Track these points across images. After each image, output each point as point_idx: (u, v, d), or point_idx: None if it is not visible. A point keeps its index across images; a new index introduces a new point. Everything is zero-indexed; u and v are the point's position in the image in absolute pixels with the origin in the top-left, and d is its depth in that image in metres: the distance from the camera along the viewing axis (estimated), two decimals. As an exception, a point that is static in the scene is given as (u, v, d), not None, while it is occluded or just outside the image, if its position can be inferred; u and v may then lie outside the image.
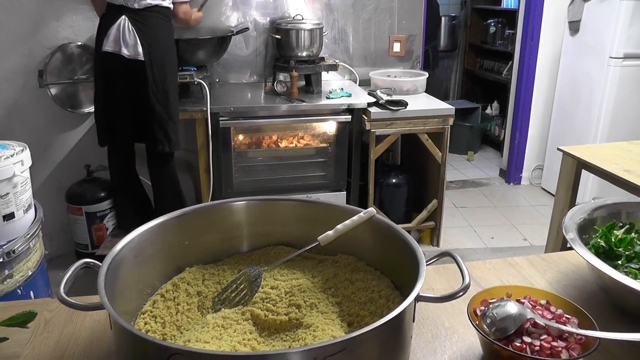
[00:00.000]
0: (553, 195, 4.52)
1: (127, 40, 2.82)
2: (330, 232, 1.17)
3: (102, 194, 3.44)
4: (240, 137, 3.48)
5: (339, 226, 1.17)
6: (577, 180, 2.47)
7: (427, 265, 0.99)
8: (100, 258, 2.95)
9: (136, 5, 2.83)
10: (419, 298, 0.93)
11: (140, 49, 2.82)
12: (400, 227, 1.12)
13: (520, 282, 1.30)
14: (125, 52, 2.83)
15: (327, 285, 1.16)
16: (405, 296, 0.94)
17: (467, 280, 0.96)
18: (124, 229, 3.30)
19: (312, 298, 1.11)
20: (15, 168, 1.89)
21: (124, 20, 2.83)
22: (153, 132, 2.94)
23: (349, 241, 1.19)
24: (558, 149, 2.51)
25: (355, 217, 1.17)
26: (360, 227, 1.17)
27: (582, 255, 1.10)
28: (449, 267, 1.35)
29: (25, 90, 3.44)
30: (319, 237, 1.17)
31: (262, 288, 1.13)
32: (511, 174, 4.93)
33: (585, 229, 1.28)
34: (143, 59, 2.83)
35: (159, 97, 2.89)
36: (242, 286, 1.13)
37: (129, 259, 1.08)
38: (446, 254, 1.06)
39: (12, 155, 1.90)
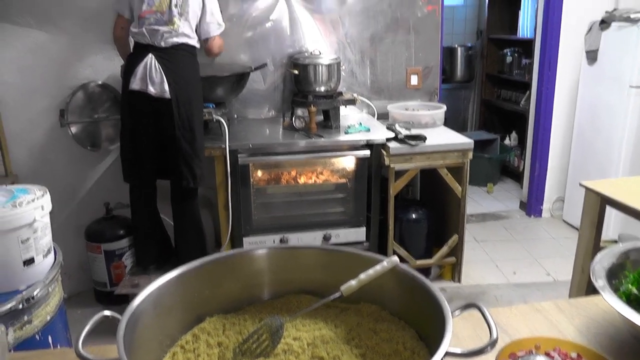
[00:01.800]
0: (575, 228, 4.46)
1: (153, 78, 2.85)
2: (352, 282, 1.14)
3: (121, 232, 3.44)
4: (259, 173, 3.48)
5: (361, 276, 1.14)
6: (601, 217, 2.42)
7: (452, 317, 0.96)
8: (119, 297, 2.95)
9: (163, 44, 2.88)
10: (446, 354, 0.90)
11: (166, 87, 2.85)
12: (424, 278, 1.10)
13: (548, 329, 1.26)
14: (152, 90, 2.86)
15: (351, 336, 1.13)
16: (430, 348, 0.91)
17: (494, 335, 0.93)
18: (142, 266, 3.29)
19: (336, 349, 1.08)
20: (36, 213, 1.89)
21: (150, 58, 2.87)
22: (178, 168, 2.96)
23: (372, 289, 1.16)
24: (580, 184, 2.47)
25: (377, 267, 1.15)
26: (383, 275, 1.15)
27: (613, 305, 1.06)
28: (474, 314, 1.31)
29: (47, 130, 3.49)
30: (342, 288, 1.14)
31: (284, 339, 1.10)
32: (532, 206, 4.87)
33: (614, 274, 1.24)
34: (169, 96, 2.86)
35: (185, 133, 2.92)
36: (263, 337, 1.10)
37: (148, 312, 1.06)
38: (472, 305, 1.03)
39: (33, 200, 1.91)
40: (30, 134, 3.49)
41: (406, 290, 1.14)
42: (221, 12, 3.14)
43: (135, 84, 2.89)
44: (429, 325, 1.06)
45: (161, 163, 3.05)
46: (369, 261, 1.17)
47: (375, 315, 1.18)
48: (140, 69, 2.87)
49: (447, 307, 0.98)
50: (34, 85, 3.42)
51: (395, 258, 1.15)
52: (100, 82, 3.50)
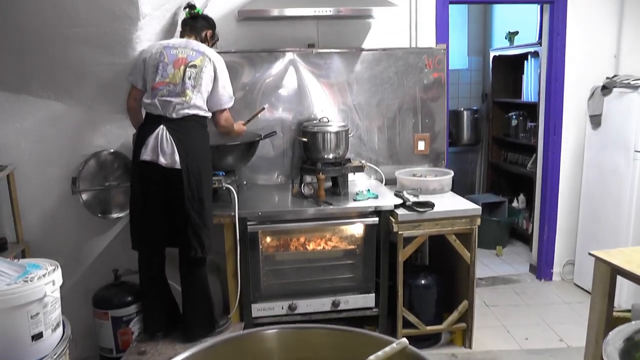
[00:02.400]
0: (587, 292, 4.42)
1: (164, 149, 2.90)
2: (362, 364, 1.14)
3: (129, 298, 3.42)
4: (268, 239, 3.49)
5: (371, 357, 1.14)
6: (612, 286, 2.41)
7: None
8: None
9: (174, 115, 2.94)
10: None
11: (177, 158, 2.90)
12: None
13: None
14: (162, 160, 2.90)
15: (362, 420, 1.12)
16: None
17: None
18: (149, 333, 3.26)
19: None
20: (46, 288, 1.90)
21: (162, 129, 2.92)
22: (187, 238, 2.97)
23: (382, 371, 1.16)
24: (590, 253, 2.46)
25: (387, 349, 1.14)
26: (392, 357, 1.15)
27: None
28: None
29: (58, 197, 3.55)
30: (352, 370, 1.14)
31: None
32: (542, 269, 4.83)
33: (628, 352, 1.23)
34: (180, 167, 2.90)
35: (194, 203, 2.95)
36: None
37: (159, 397, 1.05)
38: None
39: (44, 275, 1.92)
40: (43, 201, 3.55)
41: (416, 373, 1.13)
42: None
43: (146, 155, 2.94)
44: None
45: (170, 231, 3.07)
46: (378, 342, 1.17)
47: (385, 398, 1.17)
48: (151, 140, 2.93)
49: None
50: (48, 154, 3.50)
51: (405, 340, 1.15)
52: (112, 150, 3.57)
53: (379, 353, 1.15)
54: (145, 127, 3.02)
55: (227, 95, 3.13)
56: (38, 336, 1.91)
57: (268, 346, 1.25)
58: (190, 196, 2.94)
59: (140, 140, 2.99)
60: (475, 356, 3.60)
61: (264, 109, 3.65)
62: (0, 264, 1.94)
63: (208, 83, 3.04)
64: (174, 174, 2.92)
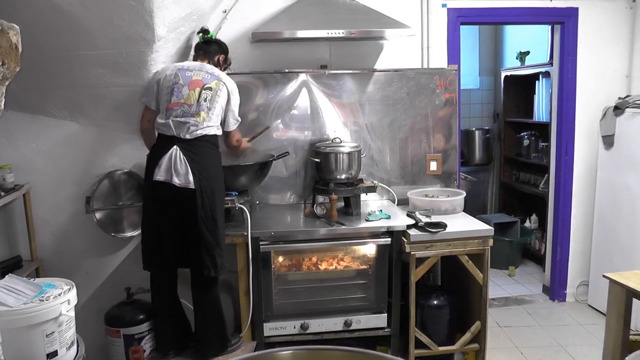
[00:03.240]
0: (601, 313, 4.38)
1: (178, 169, 2.93)
2: (378, 389, 1.14)
3: (141, 316, 3.43)
4: (280, 259, 3.50)
5: (386, 381, 1.15)
6: (628, 308, 2.39)
7: None
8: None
9: (188, 136, 2.97)
10: None
11: (191, 178, 2.92)
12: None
13: None
14: (176, 181, 2.93)
15: None
16: None
17: None
18: (161, 351, 3.27)
19: None
20: (62, 308, 1.92)
21: (175, 150, 2.95)
22: (200, 257, 2.99)
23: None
24: (604, 276, 2.45)
25: (402, 372, 1.15)
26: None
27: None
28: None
29: (72, 216, 3.59)
30: (368, 394, 1.14)
31: None
32: (555, 290, 4.79)
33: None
34: (193, 187, 2.92)
35: (207, 223, 2.97)
36: None
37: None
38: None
39: (59, 295, 1.94)
40: (56, 220, 3.59)
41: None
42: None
43: (159, 175, 2.96)
44: None
45: (182, 251, 3.08)
46: (392, 365, 1.18)
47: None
48: (165, 160, 2.96)
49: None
50: (63, 173, 3.55)
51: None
52: (126, 170, 3.61)
53: (393, 376, 1.15)
54: (158, 147, 3.05)
55: (236, 118, 3.21)
56: (53, 354, 1.92)
57: (283, 368, 1.26)
58: (204, 216, 2.96)
59: (153, 160, 3.02)
60: (489, 378, 3.57)
61: (268, 128, 3.70)
62: (17, 283, 1.96)
63: (222, 105, 3.10)
64: (187, 193, 2.94)
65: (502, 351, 3.93)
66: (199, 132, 2.99)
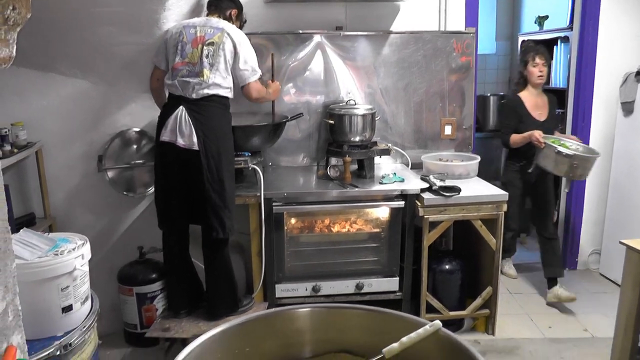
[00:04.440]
0: (613, 282, 4.36)
1: (183, 130, 2.90)
2: (395, 345, 1.14)
3: (154, 275, 3.46)
4: (293, 221, 3.49)
5: (404, 339, 1.13)
6: (645, 275, 2.36)
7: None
8: (149, 339, 2.96)
9: (194, 96, 2.93)
10: None
11: (195, 139, 2.89)
12: (468, 344, 1.08)
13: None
14: (180, 142, 2.90)
15: (393, 400, 1.11)
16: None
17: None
18: (173, 311, 3.29)
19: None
20: (76, 262, 1.92)
21: (181, 110, 2.92)
22: (208, 219, 2.98)
23: (412, 352, 1.15)
24: (621, 242, 2.41)
25: (420, 330, 1.14)
26: (425, 338, 1.13)
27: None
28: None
29: (84, 175, 3.58)
30: (384, 350, 1.14)
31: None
32: (567, 258, 4.76)
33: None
34: (198, 148, 2.89)
35: (214, 184, 2.94)
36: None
37: (192, 369, 1.05)
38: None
39: (74, 249, 1.94)
40: (68, 178, 3.59)
41: (448, 356, 1.12)
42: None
43: (165, 136, 2.94)
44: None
45: (192, 211, 3.08)
46: (411, 324, 1.16)
47: (417, 379, 1.16)
48: (171, 121, 2.93)
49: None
50: (74, 131, 3.53)
51: (438, 322, 1.14)
52: (138, 129, 3.58)
53: (412, 335, 1.14)
54: (166, 108, 3.02)
55: (250, 69, 3.07)
56: (68, 308, 1.94)
57: (299, 325, 1.25)
58: (210, 177, 2.93)
59: (161, 121, 2.99)
60: (498, 343, 3.58)
61: (272, 54, 3.51)
62: (31, 237, 1.97)
63: (228, 60, 3.00)
64: (192, 155, 2.91)
65: (512, 317, 3.93)
66: (205, 92, 2.94)
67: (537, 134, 3.73)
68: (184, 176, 2.99)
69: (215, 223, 2.97)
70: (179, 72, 2.96)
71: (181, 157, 2.93)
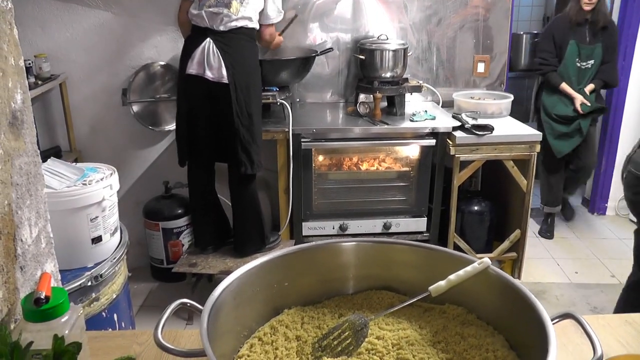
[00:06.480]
0: (644, 228, 4.28)
1: (211, 63, 2.81)
2: (442, 283, 1.09)
3: (180, 211, 3.46)
4: (321, 158, 3.44)
5: (451, 277, 1.09)
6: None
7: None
8: (176, 275, 2.98)
9: (222, 28, 2.83)
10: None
11: (224, 72, 2.81)
12: (519, 283, 1.03)
13: (642, 345, 1.17)
14: (209, 74, 2.82)
15: (437, 339, 1.08)
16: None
17: (599, 351, 0.87)
18: (200, 247, 3.30)
19: (422, 352, 1.03)
20: (104, 192, 1.89)
21: (209, 42, 2.82)
22: (236, 154, 2.93)
23: (458, 290, 1.11)
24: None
25: (468, 268, 1.08)
26: (472, 277, 1.08)
27: None
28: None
29: (109, 108, 3.54)
30: (430, 288, 1.09)
31: (367, 337, 1.05)
32: (595, 203, 4.68)
33: None
34: (227, 81, 2.81)
35: (243, 119, 2.87)
36: (346, 333, 1.06)
37: (228, 302, 1.02)
38: (569, 315, 0.96)
39: (102, 179, 1.91)
40: (93, 112, 3.56)
41: (497, 295, 1.08)
42: (283, 1, 3.06)
43: (192, 69, 2.85)
44: (522, 334, 1.00)
45: (218, 147, 3.02)
46: (458, 261, 1.12)
47: (461, 318, 1.12)
48: (198, 53, 2.84)
49: (547, 318, 0.92)
50: (98, 64, 3.47)
51: (487, 260, 1.09)
52: (163, 63, 3.50)
53: (460, 272, 1.09)
54: (191, 39, 2.92)
55: (276, 9, 2.99)
56: (97, 239, 1.92)
57: (342, 260, 1.21)
58: (239, 111, 2.86)
59: (186, 53, 2.90)
60: (524, 286, 3.55)
61: (296, 16, 3.40)
62: (59, 167, 1.94)
63: None
64: (221, 88, 2.83)
65: (539, 261, 3.90)
66: (233, 24, 2.83)
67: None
68: (211, 110, 2.92)
69: (243, 158, 2.92)
70: (206, 2, 2.84)
71: (209, 91, 2.86)
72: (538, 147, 3.27)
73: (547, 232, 4.28)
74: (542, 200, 4.31)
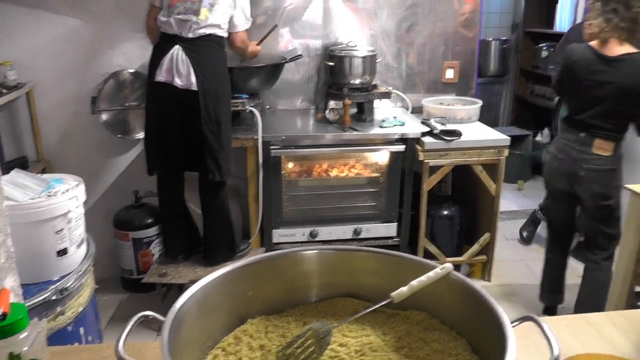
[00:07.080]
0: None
1: (180, 70, 2.80)
2: (404, 289, 1.10)
3: (150, 220, 3.43)
4: (290, 165, 3.44)
5: (413, 282, 1.10)
6: (647, 221, 2.33)
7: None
8: (146, 285, 2.94)
9: (190, 35, 2.81)
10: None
11: (193, 79, 2.79)
12: (479, 287, 1.04)
13: (602, 345, 1.20)
14: (178, 82, 2.80)
15: (400, 345, 1.08)
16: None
17: (556, 352, 0.88)
18: (170, 256, 3.27)
19: (384, 358, 1.04)
20: (70, 204, 1.87)
21: (177, 49, 2.81)
22: (204, 161, 2.91)
23: (421, 296, 1.11)
24: (624, 187, 2.38)
25: (431, 273, 1.09)
26: (435, 282, 1.10)
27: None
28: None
29: (77, 116, 3.50)
30: (393, 294, 1.10)
31: (329, 345, 1.06)
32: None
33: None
34: (196, 89, 2.80)
35: (211, 126, 2.86)
36: (309, 342, 1.06)
37: (192, 312, 1.01)
38: (528, 318, 0.98)
39: (67, 191, 1.89)
40: (62, 121, 3.51)
41: (459, 299, 1.08)
42: (256, 5, 3.07)
43: (161, 76, 2.83)
44: (484, 337, 1.01)
45: (187, 155, 3.00)
46: (420, 267, 1.12)
47: (425, 323, 1.13)
48: (166, 60, 2.82)
49: (507, 321, 0.93)
50: (66, 71, 3.43)
51: (449, 265, 1.10)
52: (132, 70, 3.48)
53: (422, 278, 1.10)
54: (160, 47, 2.90)
55: (244, 17, 2.99)
56: (63, 252, 1.90)
57: (305, 268, 1.21)
58: (207, 119, 2.85)
59: (154, 60, 2.88)
60: (494, 289, 3.60)
61: (276, 26, 3.45)
62: (24, 178, 1.91)
63: (230, 2, 2.89)
64: (190, 95, 2.81)
65: (509, 264, 3.94)
66: (202, 32, 2.83)
67: None
68: (180, 118, 2.90)
69: (212, 166, 2.91)
70: (175, 9, 2.83)
71: (177, 98, 2.84)
72: (506, 152, 3.33)
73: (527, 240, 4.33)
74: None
